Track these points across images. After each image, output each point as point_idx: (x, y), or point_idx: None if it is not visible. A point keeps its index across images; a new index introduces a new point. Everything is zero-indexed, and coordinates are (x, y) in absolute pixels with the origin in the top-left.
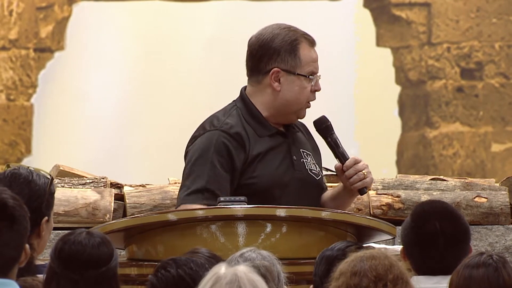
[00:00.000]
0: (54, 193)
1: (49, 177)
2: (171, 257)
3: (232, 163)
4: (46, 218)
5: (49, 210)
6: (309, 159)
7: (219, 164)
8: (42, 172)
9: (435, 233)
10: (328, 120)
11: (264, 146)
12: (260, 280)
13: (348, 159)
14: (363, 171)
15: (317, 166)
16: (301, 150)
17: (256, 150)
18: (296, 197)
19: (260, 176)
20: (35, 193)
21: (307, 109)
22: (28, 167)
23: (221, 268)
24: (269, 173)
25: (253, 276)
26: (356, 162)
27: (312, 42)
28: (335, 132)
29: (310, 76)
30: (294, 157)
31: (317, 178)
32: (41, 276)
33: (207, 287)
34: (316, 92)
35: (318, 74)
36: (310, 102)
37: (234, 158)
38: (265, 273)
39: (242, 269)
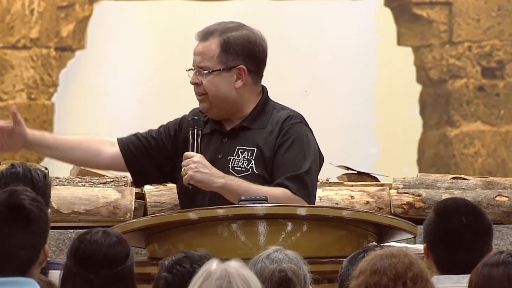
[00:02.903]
0: (51, 184)
1: (44, 170)
2: (181, 253)
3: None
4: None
5: (49, 202)
6: (243, 155)
7: None
8: (37, 166)
9: (461, 227)
10: (202, 115)
11: (204, 145)
12: (251, 275)
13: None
14: (184, 168)
15: (253, 162)
16: (237, 147)
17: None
18: (208, 194)
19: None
20: (39, 189)
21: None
22: (22, 163)
23: (212, 264)
24: None
25: (244, 271)
26: (185, 158)
27: (197, 36)
28: (201, 130)
29: (191, 69)
30: (219, 155)
31: (238, 175)
32: (53, 272)
33: (198, 283)
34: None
35: (192, 67)
36: (199, 96)
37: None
38: (292, 277)
39: (233, 265)
